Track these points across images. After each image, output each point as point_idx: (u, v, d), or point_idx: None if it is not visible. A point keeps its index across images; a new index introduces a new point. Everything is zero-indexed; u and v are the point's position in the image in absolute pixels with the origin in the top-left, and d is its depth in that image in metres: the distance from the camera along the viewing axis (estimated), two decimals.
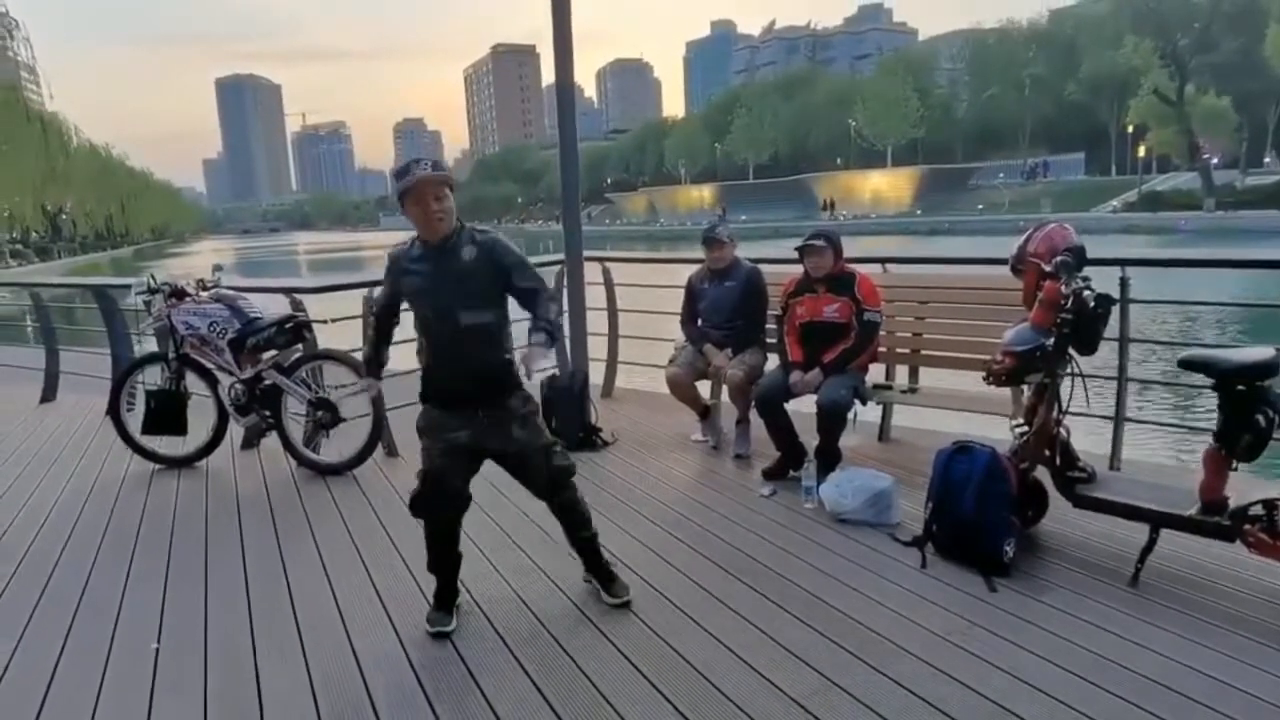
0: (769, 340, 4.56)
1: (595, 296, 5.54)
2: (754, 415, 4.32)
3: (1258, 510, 2.73)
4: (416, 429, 2.81)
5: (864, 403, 4.10)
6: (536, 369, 2.67)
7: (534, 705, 2.35)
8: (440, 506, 2.80)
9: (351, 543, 3.58)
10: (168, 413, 4.67)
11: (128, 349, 6.46)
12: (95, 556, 3.55)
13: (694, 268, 4.86)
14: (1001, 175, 61.14)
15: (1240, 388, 2.71)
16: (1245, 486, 2.87)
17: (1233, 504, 2.78)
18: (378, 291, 2.92)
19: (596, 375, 5.75)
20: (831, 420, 3.90)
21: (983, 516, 3.03)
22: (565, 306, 5.42)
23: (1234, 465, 2.76)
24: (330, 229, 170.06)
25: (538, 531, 3.51)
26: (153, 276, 4.77)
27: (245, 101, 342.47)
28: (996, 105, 64.22)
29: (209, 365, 4.70)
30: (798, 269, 4.23)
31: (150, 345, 6.15)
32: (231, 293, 4.77)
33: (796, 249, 4.13)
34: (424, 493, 2.78)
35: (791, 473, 4.04)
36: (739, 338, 4.50)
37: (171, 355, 4.71)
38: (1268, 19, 39.58)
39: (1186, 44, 46.09)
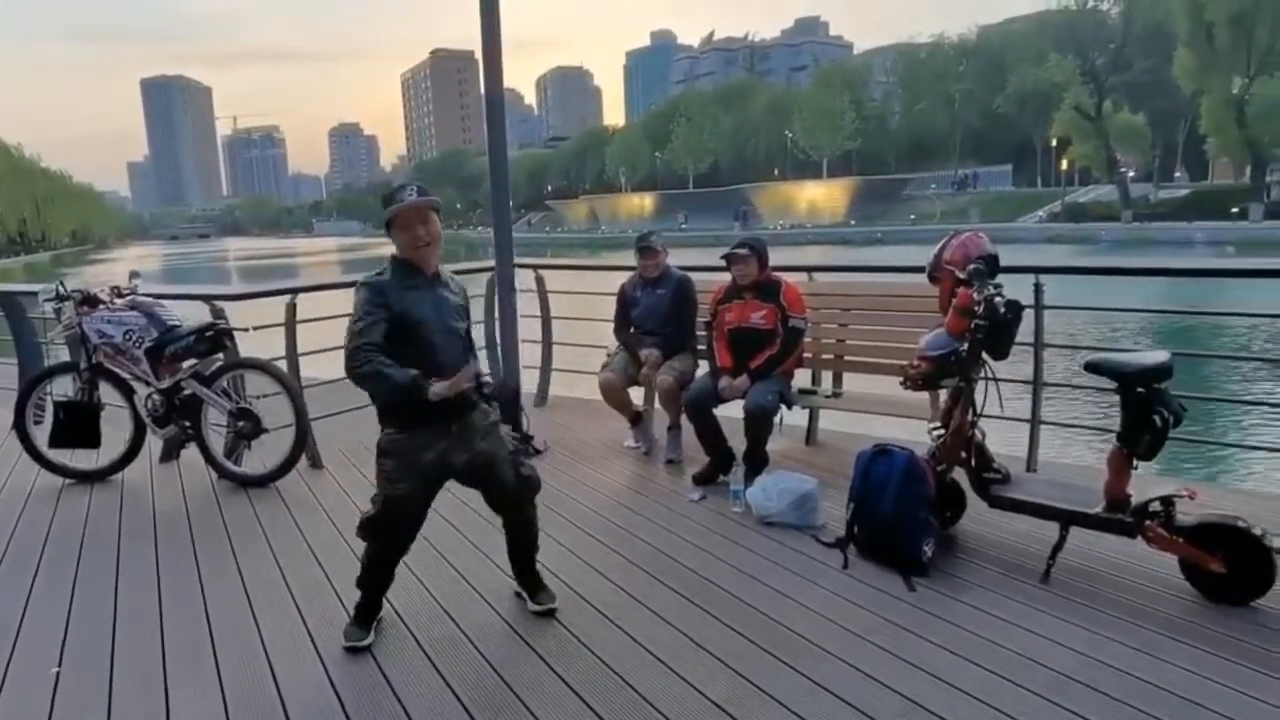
0: (699, 347, 4.60)
1: (529, 304, 5.52)
2: (684, 420, 4.36)
3: (1156, 507, 2.87)
4: (378, 450, 2.69)
5: (789, 407, 4.17)
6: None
7: (450, 713, 2.31)
8: (397, 532, 2.71)
9: (272, 557, 3.47)
10: (79, 424, 4.47)
11: (37, 359, 6.18)
12: None
13: (626, 275, 4.88)
14: (933, 186, 63.13)
15: (1140, 390, 2.85)
16: (1145, 485, 3.00)
17: (1134, 501, 2.91)
18: (360, 326, 2.54)
19: (530, 384, 5.72)
20: (758, 424, 3.95)
21: (902, 517, 3.10)
22: (496, 314, 5.39)
23: (1135, 464, 2.90)
24: (262, 235, 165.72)
25: (458, 538, 3.47)
26: (61, 283, 4.56)
27: (174, 103, 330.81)
28: (928, 118, 66.19)
29: (124, 375, 4.52)
30: (726, 277, 4.29)
31: (63, 355, 5.90)
32: (149, 300, 4.60)
33: (723, 257, 4.19)
34: (382, 518, 2.68)
35: (721, 477, 4.08)
36: (670, 344, 4.53)
37: (84, 365, 4.52)
38: (1176, 42, 41.74)
39: (1103, 63, 48.38)
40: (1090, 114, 46.68)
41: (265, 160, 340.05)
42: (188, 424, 4.50)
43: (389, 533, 2.70)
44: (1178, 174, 54.31)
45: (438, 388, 2.52)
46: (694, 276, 4.72)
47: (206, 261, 77.54)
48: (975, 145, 65.67)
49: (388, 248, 2.77)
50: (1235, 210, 38.79)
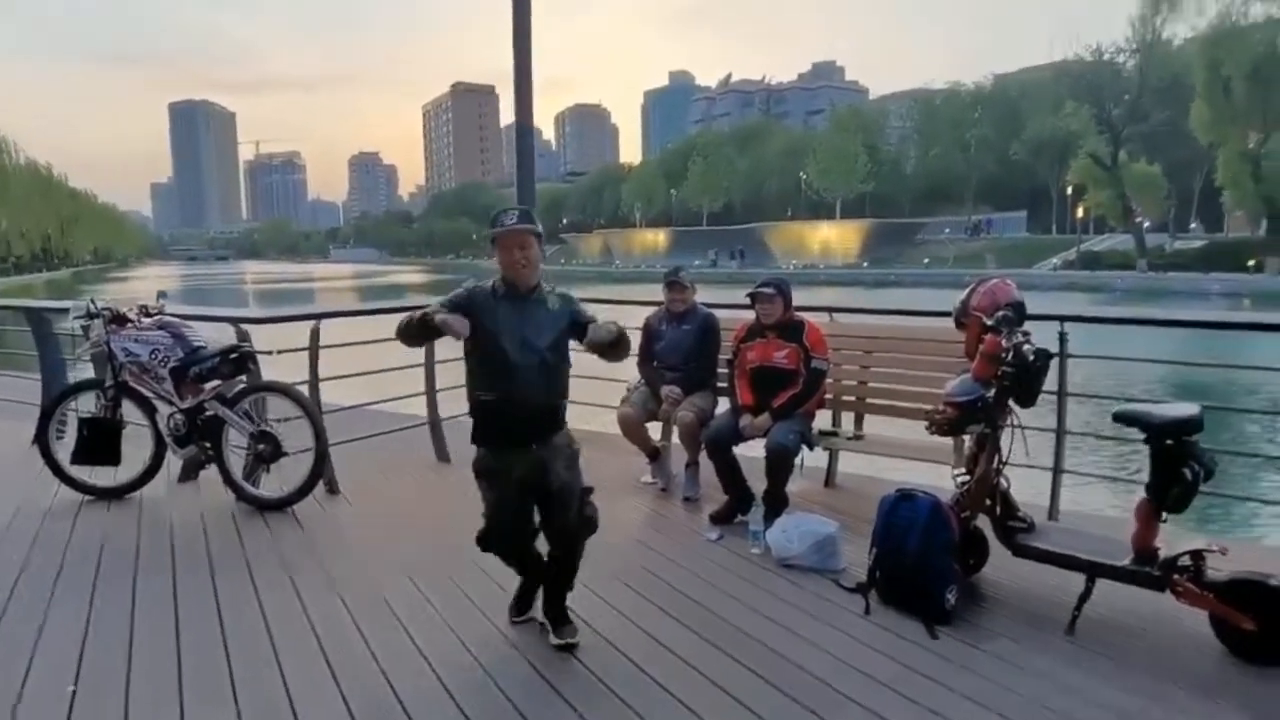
0: (720, 385, 4.60)
1: None
2: (703, 458, 4.35)
3: (1185, 561, 2.84)
4: (474, 470, 2.87)
5: (810, 448, 4.16)
6: (600, 338, 2.78)
7: None
8: (506, 542, 2.93)
9: (290, 583, 3.46)
10: (102, 441, 4.50)
11: (61, 375, 6.23)
12: (12, 590, 3.37)
13: (646, 309, 4.91)
14: (947, 230, 63.24)
15: (1169, 442, 2.83)
16: (1174, 538, 2.96)
17: (1162, 555, 2.87)
18: (438, 300, 2.83)
19: None
20: (779, 464, 3.93)
21: (926, 564, 3.07)
22: None
23: (1164, 517, 2.87)
24: (279, 259, 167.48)
25: (479, 573, 3.46)
26: (93, 301, 4.62)
27: (198, 127, 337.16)
28: (943, 163, 66.64)
29: (148, 394, 4.56)
30: (748, 315, 4.31)
31: (86, 371, 5.95)
32: (176, 320, 4.66)
33: (748, 295, 4.20)
34: (489, 531, 2.89)
35: (739, 517, 4.06)
36: (691, 380, 4.54)
37: (109, 382, 4.56)
38: (1193, 94, 42.06)
39: (1119, 113, 48.68)
40: (1106, 163, 46.88)
41: (285, 185, 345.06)
42: (208, 445, 4.52)
43: (498, 544, 2.93)
44: (1193, 225, 54.30)
45: (447, 320, 2.64)
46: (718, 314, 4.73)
47: (224, 284, 78.27)
48: (990, 191, 65.97)
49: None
50: (1251, 263, 38.68)
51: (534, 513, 2.89)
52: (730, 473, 4.11)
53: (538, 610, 3.04)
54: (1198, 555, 2.83)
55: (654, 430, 4.89)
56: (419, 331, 2.73)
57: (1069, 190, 51.98)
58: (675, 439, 4.73)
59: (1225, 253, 41.80)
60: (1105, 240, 50.94)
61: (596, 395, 5.78)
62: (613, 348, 2.86)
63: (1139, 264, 42.70)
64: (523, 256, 2.77)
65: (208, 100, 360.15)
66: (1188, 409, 2.84)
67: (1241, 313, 24.05)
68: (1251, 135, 40.30)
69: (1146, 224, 46.33)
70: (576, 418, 6.07)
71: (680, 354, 4.59)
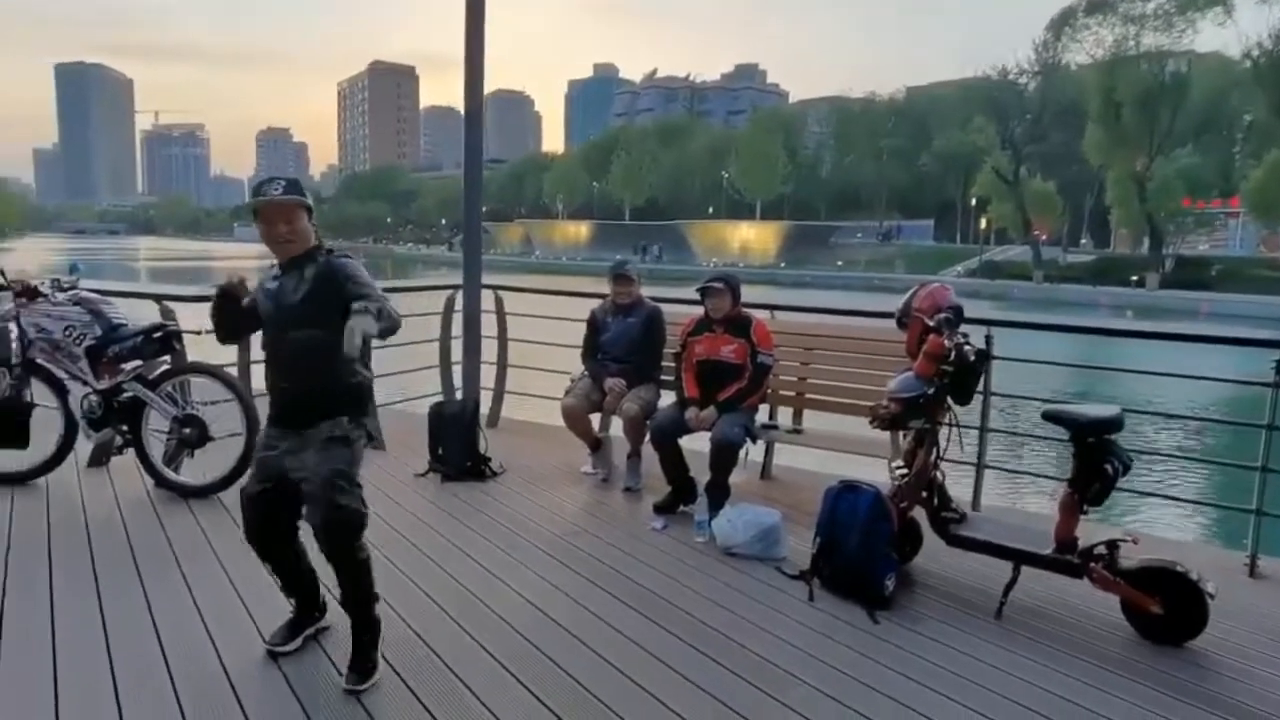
0: (664, 378, 4.67)
1: (485, 325, 5.49)
2: (645, 449, 4.40)
3: (1101, 550, 3.06)
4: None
5: (754, 440, 4.26)
6: (355, 340, 2.28)
7: None
8: (252, 537, 2.64)
9: (224, 572, 3.33)
10: (8, 424, 4.21)
11: None
12: None
13: (590, 301, 4.94)
14: (859, 235, 65.47)
15: (1091, 440, 3.04)
16: (1093, 529, 3.19)
17: (1081, 544, 3.09)
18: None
19: (483, 405, 5.67)
20: (724, 456, 4.02)
21: (867, 552, 3.21)
22: (457, 332, 5.35)
23: (1085, 509, 3.08)
24: (178, 236, 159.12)
25: (418, 555, 3.42)
26: (0, 271, 4.32)
27: (89, 92, 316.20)
28: (857, 169, 68.91)
29: (60, 374, 4.29)
30: (694, 310, 4.39)
31: None
32: (94, 296, 4.39)
33: (698, 289, 4.28)
34: (245, 513, 2.63)
35: (682, 507, 4.13)
36: (636, 372, 4.59)
37: (14, 360, 4.27)
38: (1087, 118, 44.73)
39: (1021, 132, 51.41)
40: (1008, 178, 49.42)
41: (186, 159, 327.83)
42: (125, 429, 4.30)
43: (248, 536, 2.65)
44: (1084, 240, 57.88)
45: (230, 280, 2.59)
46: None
47: (113, 259, 73.80)
48: (901, 199, 68.51)
49: None
50: (1135, 278, 41.49)
51: (281, 515, 2.62)
52: (675, 464, 4.18)
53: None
54: (1112, 545, 3.06)
55: (594, 421, 4.91)
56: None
57: (973, 202, 54.53)
58: (616, 430, 4.76)
59: (1113, 267, 44.81)
60: (1005, 251, 53.76)
61: (529, 385, 5.79)
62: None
63: (1035, 274, 45.22)
64: (288, 230, 2.51)
65: (101, 64, 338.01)
66: (1109, 410, 3.06)
67: (1130, 322, 25.79)
68: (1138, 159, 43.12)
69: (1043, 238, 49.02)
70: (519, 408, 6.11)
71: (625, 346, 4.63)
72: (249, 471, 2.71)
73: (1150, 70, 42.27)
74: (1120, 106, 42.03)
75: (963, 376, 3.21)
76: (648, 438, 4.36)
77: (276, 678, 2.57)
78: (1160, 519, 7.67)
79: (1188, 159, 44.02)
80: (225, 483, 4.21)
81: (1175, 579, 2.96)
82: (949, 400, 3.29)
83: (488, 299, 5.72)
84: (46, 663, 2.62)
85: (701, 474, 4.12)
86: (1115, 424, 3.03)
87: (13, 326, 4.27)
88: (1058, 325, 4.45)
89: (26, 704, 2.39)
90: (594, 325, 4.77)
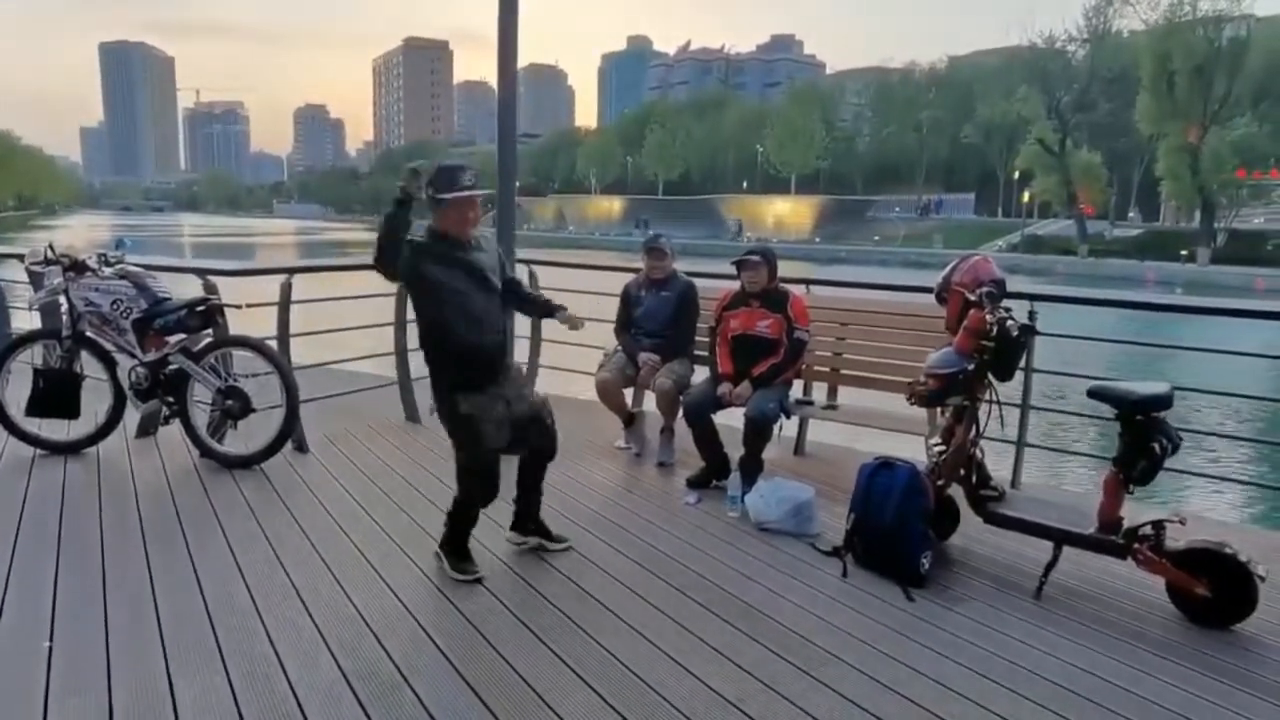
0: (698, 353, 4.64)
1: None
2: (677, 424, 4.39)
3: (1147, 530, 2.99)
4: (458, 419, 3.00)
5: (788, 416, 4.23)
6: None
7: (466, 705, 2.31)
8: (492, 484, 3.09)
9: (266, 541, 3.40)
10: (59, 394, 4.33)
11: (4, 324, 5.96)
12: None
13: (623, 276, 4.91)
14: (897, 209, 64.23)
15: (1139, 418, 2.96)
16: (1138, 509, 3.11)
17: (1126, 524, 3.02)
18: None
19: None
20: (758, 432, 4.00)
21: (902, 529, 3.17)
22: None
23: (1130, 489, 3.00)
24: (219, 212, 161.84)
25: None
26: (50, 246, 4.42)
27: (133, 71, 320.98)
28: (896, 142, 67.42)
29: (108, 346, 4.40)
30: (728, 285, 4.35)
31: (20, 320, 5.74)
32: (139, 270, 4.48)
33: (734, 263, 4.24)
34: (480, 473, 3.05)
35: (715, 482, 4.12)
36: (669, 347, 4.56)
37: (65, 333, 4.38)
38: (1138, 87, 43.23)
39: (1068, 101, 49.85)
40: (1054, 149, 48.06)
41: (227, 136, 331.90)
42: (171, 400, 4.40)
43: (485, 485, 3.06)
44: (1131, 214, 56.21)
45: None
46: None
47: (158, 235, 75.29)
48: (941, 172, 67.07)
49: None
50: (1184, 253, 40.26)
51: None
52: (709, 439, 4.16)
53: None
54: (1158, 525, 2.98)
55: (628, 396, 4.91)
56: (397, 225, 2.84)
57: (1016, 175, 53.17)
58: (649, 405, 4.76)
59: (1161, 242, 43.49)
60: (1049, 225, 52.41)
61: (573, 361, 5.80)
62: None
63: (1080, 249, 44.11)
64: (478, 216, 3.05)
65: (144, 43, 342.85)
66: (1158, 387, 2.97)
67: (1179, 298, 25.04)
68: (1192, 129, 41.65)
69: (1090, 211, 47.74)
70: (552, 383, 6.14)
71: (659, 321, 4.61)
72: (480, 437, 3.00)
73: (1207, 35, 40.69)
74: (1174, 74, 40.59)
75: (1004, 352, 3.14)
76: (680, 413, 4.34)
77: (308, 626, 2.68)
78: (1210, 500, 7.48)
79: (1245, 128, 42.35)
80: (267, 453, 4.30)
81: (1224, 561, 2.88)
82: (989, 377, 3.23)
83: (521, 274, 5.72)
84: (98, 614, 2.73)
85: (735, 449, 4.11)
86: (1164, 401, 2.94)
87: (62, 300, 4.40)
88: (1104, 300, 4.31)
89: (84, 649, 2.50)
90: (627, 300, 4.75)
